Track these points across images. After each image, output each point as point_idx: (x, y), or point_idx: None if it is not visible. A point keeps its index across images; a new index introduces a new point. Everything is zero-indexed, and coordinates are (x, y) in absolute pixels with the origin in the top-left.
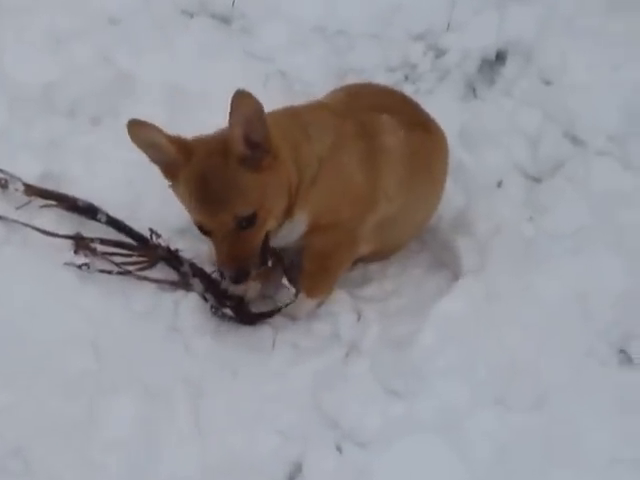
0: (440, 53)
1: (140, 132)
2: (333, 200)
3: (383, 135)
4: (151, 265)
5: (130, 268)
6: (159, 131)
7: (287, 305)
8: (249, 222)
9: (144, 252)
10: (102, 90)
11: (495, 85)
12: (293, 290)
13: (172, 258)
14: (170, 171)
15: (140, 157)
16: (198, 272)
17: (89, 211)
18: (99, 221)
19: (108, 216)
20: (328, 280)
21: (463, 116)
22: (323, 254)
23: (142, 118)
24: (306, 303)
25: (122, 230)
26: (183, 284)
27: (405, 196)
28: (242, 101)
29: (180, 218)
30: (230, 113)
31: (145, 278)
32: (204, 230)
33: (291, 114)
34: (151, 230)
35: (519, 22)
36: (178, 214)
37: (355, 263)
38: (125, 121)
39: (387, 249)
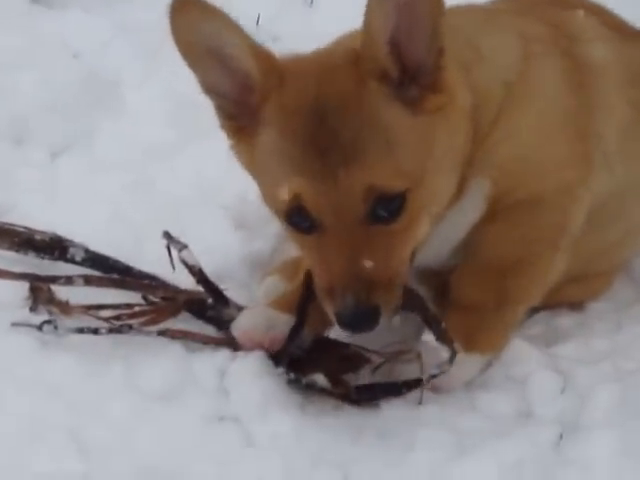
0: None
1: (197, 20)
2: (534, 151)
3: (585, 42)
4: (173, 313)
5: (132, 322)
6: (233, 25)
7: (436, 376)
8: (392, 210)
9: (157, 291)
10: None
11: None
12: (445, 353)
13: (212, 296)
14: (241, 110)
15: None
16: None
17: (54, 247)
18: (72, 261)
19: (87, 251)
20: (506, 318)
21: None
22: (506, 263)
23: None
24: (465, 362)
25: (111, 270)
26: (231, 340)
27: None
28: None
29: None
30: None
31: (162, 333)
32: (302, 218)
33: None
34: (168, 235)
35: None
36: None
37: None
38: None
39: (590, 270)
